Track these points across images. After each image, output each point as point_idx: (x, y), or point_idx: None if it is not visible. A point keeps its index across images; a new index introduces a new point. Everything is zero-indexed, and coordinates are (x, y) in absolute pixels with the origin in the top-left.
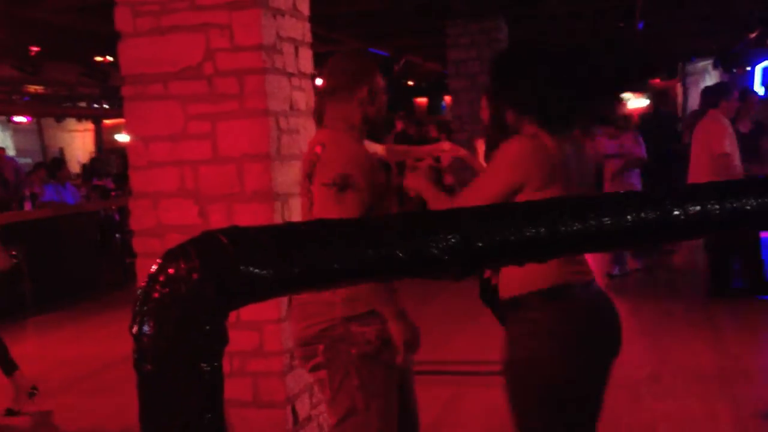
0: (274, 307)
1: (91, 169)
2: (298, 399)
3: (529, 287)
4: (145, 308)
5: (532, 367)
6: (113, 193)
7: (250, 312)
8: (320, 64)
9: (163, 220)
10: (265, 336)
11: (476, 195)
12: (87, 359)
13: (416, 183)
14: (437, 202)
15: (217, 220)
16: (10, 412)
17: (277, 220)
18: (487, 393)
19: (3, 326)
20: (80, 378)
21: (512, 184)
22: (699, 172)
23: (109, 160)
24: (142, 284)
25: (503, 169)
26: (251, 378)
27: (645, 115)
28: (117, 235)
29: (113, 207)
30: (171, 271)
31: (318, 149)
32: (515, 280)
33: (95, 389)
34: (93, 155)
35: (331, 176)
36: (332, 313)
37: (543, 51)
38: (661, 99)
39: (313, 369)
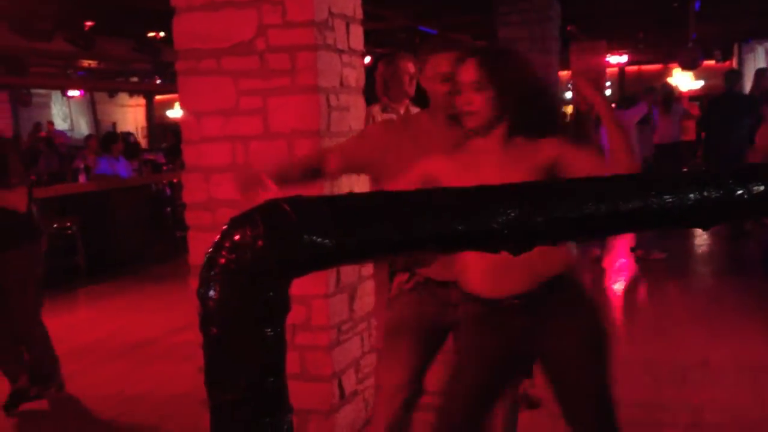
0: (322, 283)
1: (133, 146)
2: (344, 374)
3: (564, 267)
4: (212, 273)
5: (601, 332)
6: (164, 168)
7: (298, 286)
8: (369, 42)
9: (214, 194)
10: (312, 311)
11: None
12: (134, 331)
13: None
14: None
15: (267, 195)
16: None
17: None
18: None
19: (56, 296)
20: (128, 348)
21: None
22: None
23: (154, 135)
24: (209, 251)
25: None
26: (298, 351)
27: (715, 97)
28: (168, 209)
29: (164, 181)
30: (237, 237)
31: None
32: (552, 261)
33: (140, 361)
34: (129, 133)
35: None
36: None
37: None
38: (735, 79)
39: None
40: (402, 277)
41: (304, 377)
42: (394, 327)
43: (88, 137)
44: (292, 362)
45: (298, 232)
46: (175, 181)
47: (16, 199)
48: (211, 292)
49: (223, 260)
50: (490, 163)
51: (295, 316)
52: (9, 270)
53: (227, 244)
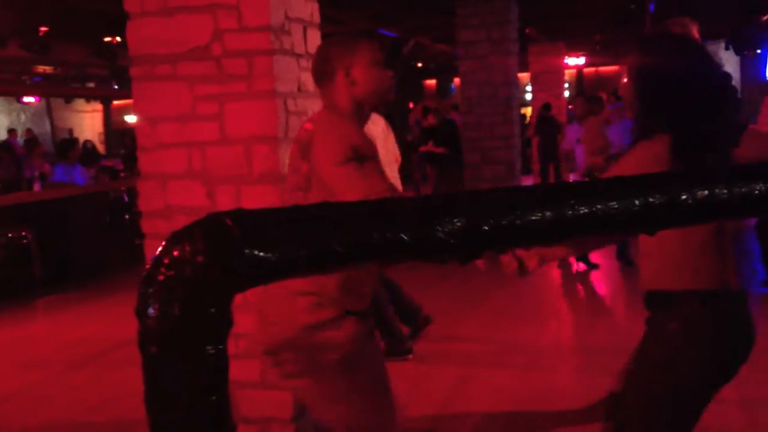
0: None
1: (92, 153)
2: None
3: (685, 285)
4: (150, 290)
5: (673, 365)
6: (122, 174)
7: (257, 294)
8: None
9: (171, 202)
10: None
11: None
12: (94, 340)
13: None
14: None
15: (225, 201)
16: None
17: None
18: (494, 374)
19: (12, 307)
20: (91, 357)
21: None
22: None
23: (111, 141)
24: (147, 266)
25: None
26: (259, 360)
27: None
28: (126, 216)
29: (122, 188)
30: (176, 253)
31: (308, 126)
32: (667, 273)
33: (104, 369)
34: (88, 141)
35: (343, 152)
36: (296, 321)
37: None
38: None
39: (288, 377)
40: (341, 338)
41: (265, 385)
42: (378, 383)
43: (30, 143)
44: (252, 370)
45: (240, 246)
46: (132, 187)
47: None
48: (150, 310)
49: (162, 277)
50: None
51: (254, 324)
52: None
53: (166, 261)
